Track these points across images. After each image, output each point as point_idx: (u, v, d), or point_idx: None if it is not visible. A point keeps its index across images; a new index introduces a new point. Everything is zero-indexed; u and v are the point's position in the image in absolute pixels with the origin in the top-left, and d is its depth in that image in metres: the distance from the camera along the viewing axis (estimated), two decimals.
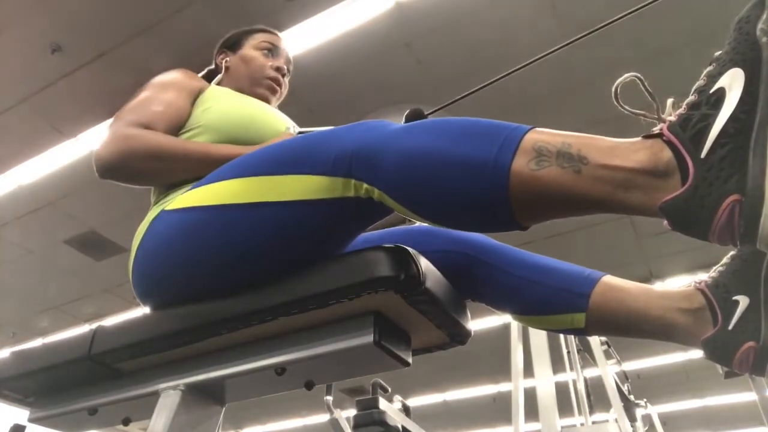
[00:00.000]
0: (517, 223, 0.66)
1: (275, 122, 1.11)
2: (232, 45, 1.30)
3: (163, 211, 0.88)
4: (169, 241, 0.84)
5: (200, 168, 0.92)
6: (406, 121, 0.90)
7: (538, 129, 0.66)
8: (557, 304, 0.86)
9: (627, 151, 0.62)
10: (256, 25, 1.34)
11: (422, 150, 0.68)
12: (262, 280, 0.79)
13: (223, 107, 1.09)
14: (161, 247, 0.85)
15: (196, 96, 1.12)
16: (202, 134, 1.04)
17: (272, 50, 1.29)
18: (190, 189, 0.87)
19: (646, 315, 0.81)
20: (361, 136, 0.73)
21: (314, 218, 0.75)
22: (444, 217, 0.71)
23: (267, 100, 1.25)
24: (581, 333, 0.88)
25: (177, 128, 1.05)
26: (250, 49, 1.28)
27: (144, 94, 1.06)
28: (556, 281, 0.87)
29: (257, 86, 1.25)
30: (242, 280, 0.80)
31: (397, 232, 1.02)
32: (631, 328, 0.83)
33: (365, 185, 0.71)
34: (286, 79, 1.31)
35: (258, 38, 1.30)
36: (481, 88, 1.12)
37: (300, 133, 1.10)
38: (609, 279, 0.86)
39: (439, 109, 1.01)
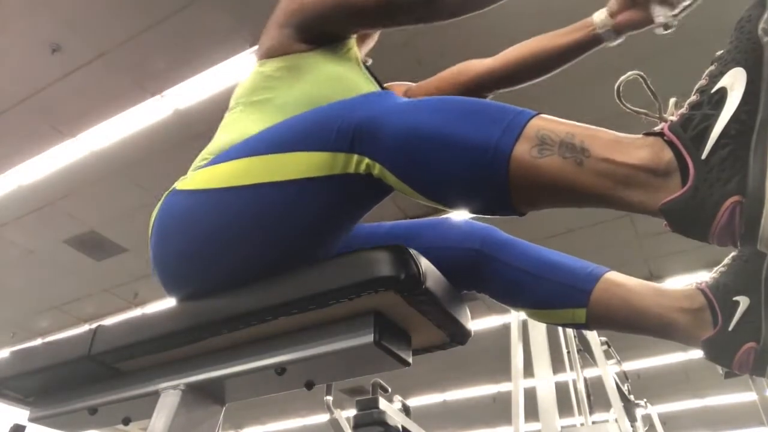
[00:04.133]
0: (514, 208, 0.66)
1: None
2: None
3: (174, 190, 0.87)
4: (176, 222, 0.83)
5: None
6: None
7: (543, 115, 0.66)
8: (559, 300, 0.86)
9: (629, 146, 0.62)
10: None
11: (426, 127, 0.67)
12: (262, 272, 0.78)
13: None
14: (169, 228, 0.84)
15: None
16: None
17: None
18: (203, 167, 0.86)
19: (647, 313, 0.81)
20: (366, 109, 0.72)
21: (313, 198, 0.74)
22: (442, 197, 0.71)
23: None
24: (582, 327, 0.88)
25: None
26: None
27: None
28: (560, 277, 0.86)
29: None
30: (242, 268, 0.79)
31: (404, 225, 1.01)
32: (631, 325, 0.83)
33: (366, 160, 0.70)
34: None
35: None
36: None
37: None
38: (612, 275, 0.86)
39: None
